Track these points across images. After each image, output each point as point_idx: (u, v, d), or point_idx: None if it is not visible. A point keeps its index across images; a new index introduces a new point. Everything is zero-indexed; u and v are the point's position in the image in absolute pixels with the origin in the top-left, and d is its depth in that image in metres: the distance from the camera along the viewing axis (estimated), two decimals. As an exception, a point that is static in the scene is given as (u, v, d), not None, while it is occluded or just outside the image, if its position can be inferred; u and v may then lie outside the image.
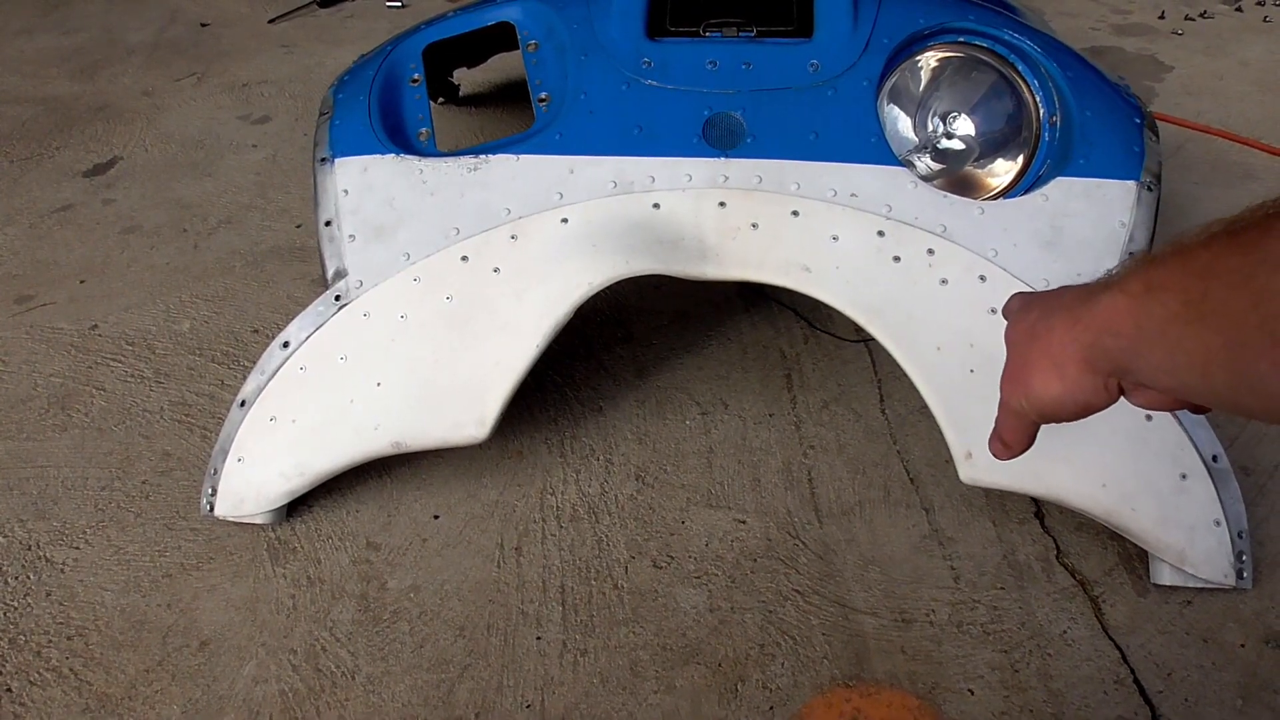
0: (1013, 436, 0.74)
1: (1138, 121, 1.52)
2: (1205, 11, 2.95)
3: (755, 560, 1.45)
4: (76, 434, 1.68)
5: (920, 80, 1.61)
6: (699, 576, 1.43)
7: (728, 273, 1.46)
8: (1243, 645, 1.30)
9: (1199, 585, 1.35)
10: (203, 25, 3.37)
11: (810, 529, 1.49)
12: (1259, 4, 2.98)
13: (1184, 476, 1.34)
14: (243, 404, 1.49)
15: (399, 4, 3.50)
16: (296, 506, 1.52)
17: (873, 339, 1.42)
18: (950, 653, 1.32)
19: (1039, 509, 1.50)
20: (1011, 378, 0.70)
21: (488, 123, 2.66)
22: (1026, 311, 0.71)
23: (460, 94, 2.78)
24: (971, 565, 1.42)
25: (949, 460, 1.38)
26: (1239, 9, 2.97)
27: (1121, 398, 0.66)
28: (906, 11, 1.58)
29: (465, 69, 2.64)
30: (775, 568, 1.44)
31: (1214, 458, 1.34)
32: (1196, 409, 0.69)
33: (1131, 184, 1.45)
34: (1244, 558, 1.34)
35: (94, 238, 2.21)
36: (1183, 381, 0.56)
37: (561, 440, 1.65)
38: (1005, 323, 0.76)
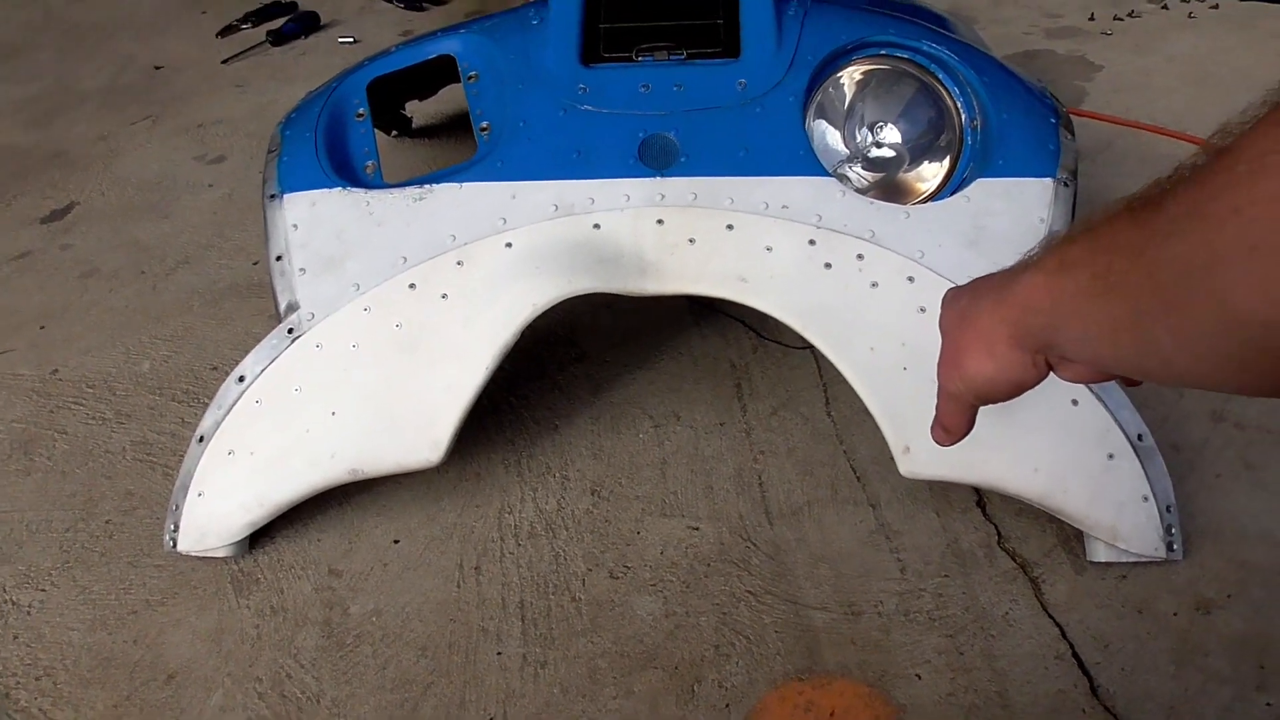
0: (953, 421, 0.77)
1: (1053, 121, 1.58)
2: (1133, 11, 3.04)
3: (709, 565, 1.49)
4: (40, 478, 1.70)
5: (845, 94, 1.67)
6: (654, 584, 1.47)
7: (668, 287, 1.51)
8: (1175, 614, 1.36)
9: (1132, 560, 1.40)
10: (156, 68, 3.41)
11: (762, 531, 1.54)
12: (1184, 1, 3.07)
13: (1111, 456, 1.39)
14: (201, 439, 1.52)
15: (351, 39, 3.55)
16: (259, 537, 1.55)
17: (815, 344, 1.47)
18: (898, 640, 1.36)
19: (980, 498, 1.55)
20: (947, 362, 0.74)
21: (440, 153, 2.70)
22: (956, 299, 0.76)
23: (414, 126, 2.82)
24: (917, 556, 1.47)
25: (892, 456, 1.43)
26: (1165, 7, 3.06)
27: (1051, 374, 0.70)
28: (828, 29, 1.64)
29: (417, 102, 2.68)
30: (728, 571, 1.48)
31: (1139, 436, 1.40)
32: (1129, 381, 0.73)
33: (1048, 181, 1.51)
34: (1173, 530, 1.39)
35: (53, 283, 2.23)
36: (1097, 352, 0.60)
37: (518, 459, 1.69)
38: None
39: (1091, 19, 3.02)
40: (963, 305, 0.73)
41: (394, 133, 2.75)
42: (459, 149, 2.71)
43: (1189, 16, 2.99)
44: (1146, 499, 1.39)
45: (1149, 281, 0.51)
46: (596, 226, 1.53)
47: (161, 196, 2.58)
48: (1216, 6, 3.02)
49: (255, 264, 2.25)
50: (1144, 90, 2.61)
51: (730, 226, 1.51)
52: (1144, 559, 1.40)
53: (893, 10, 1.80)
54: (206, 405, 1.55)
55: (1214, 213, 0.46)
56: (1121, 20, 2.99)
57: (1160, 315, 0.51)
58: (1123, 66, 2.75)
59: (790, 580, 1.46)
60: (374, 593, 1.48)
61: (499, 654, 1.38)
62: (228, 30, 3.57)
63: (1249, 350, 0.47)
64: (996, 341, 0.68)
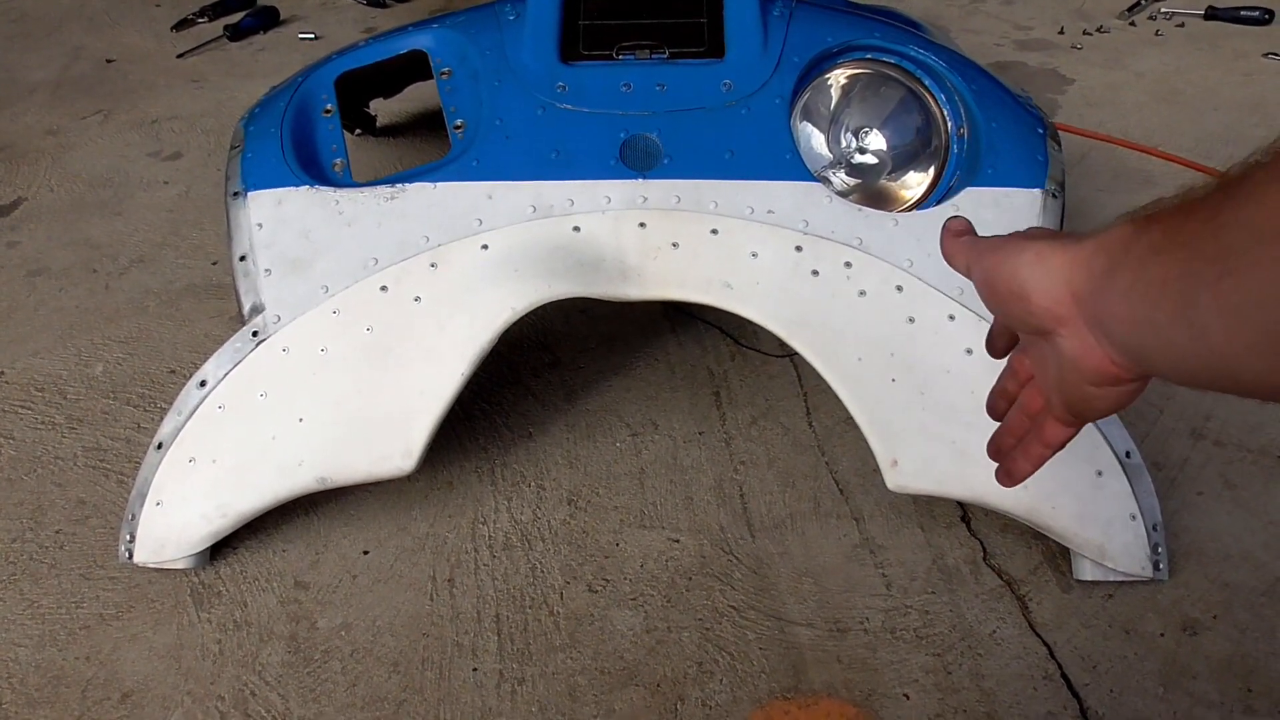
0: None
1: (1040, 132, 1.57)
2: (1101, 26, 3.07)
3: (690, 578, 1.45)
4: (-16, 486, 1.61)
5: (831, 97, 1.65)
6: (635, 598, 1.42)
7: (650, 293, 1.47)
8: (1162, 635, 1.34)
9: (1119, 579, 1.38)
10: (108, 61, 3.30)
11: (744, 544, 1.50)
12: (1151, 19, 3.11)
13: (1100, 474, 1.38)
14: (160, 446, 1.45)
15: (312, 36, 3.47)
16: (220, 548, 1.48)
17: (797, 353, 1.44)
18: (885, 659, 1.33)
19: (965, 513, 1.52)
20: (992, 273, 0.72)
21: (406, 153, 2.64)
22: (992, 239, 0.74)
23: (378, 125, 2.76)
24: (902, 571, 1.44)
25: (876, 469, 1.40)
26: (1132, 23, 3.10)
27: None
28: (815, 30, 1.61)
29: (382, 99, 2.62)
30: (710, 585, 1.44)
31: (1127, 454, 1.38)
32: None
33: (1037, 192, 1.49)
34: (1160, 549, 1.38)
35: (-2, 282, 2.14)
36: (1133, 312, 0.59)
37: (492, 468, 1.64)
38: (950, 253, 0.80)
39: (1061, 32, 3.04)
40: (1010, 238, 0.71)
41: (357, 131, 2.68)
42: (425, 148, 2.65)
43: (1156, 34, 3.03)
44: (1134, 517, 1.37)
45: (1213, 242, 0.51)
46: (576, 229, 1.49)
47: (114, 193, 2.49)
48: (1183, 25, 3.06)
49: (214, 264, 2.17)
50: (1115, 105, 2.63)
51: (715, 231, 1.48)
52: (1130, 578, 1.38)
53: (871, 14, 1.78)
54: (164, 410, 1.48)
55: None
56: (1090, 35, 3.02)
57: (1211, 280, 0.51)
58: (1093, 81, 2.77)
59: (774, 595, 1.42)
60: (342, 606, 1.42)
61: (474, 670, 1.33)
62: (183, 24, 3.47)
63: None
64: (1052, 268, 0.66)
